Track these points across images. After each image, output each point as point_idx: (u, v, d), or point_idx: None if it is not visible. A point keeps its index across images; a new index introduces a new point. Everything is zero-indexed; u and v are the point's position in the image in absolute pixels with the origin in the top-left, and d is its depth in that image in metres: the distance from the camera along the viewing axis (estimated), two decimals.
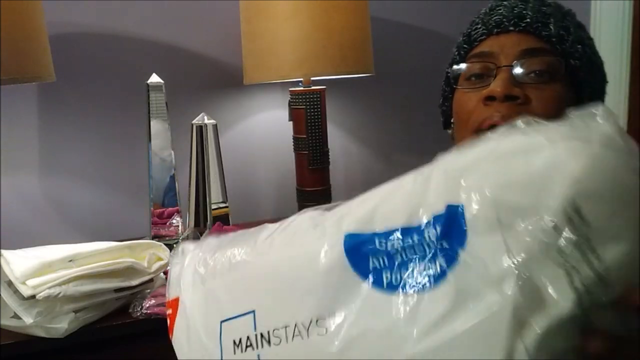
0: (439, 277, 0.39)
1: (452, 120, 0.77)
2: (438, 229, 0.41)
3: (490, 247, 0.38)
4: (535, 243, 0.37)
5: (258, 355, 0.48)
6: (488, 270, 0.38)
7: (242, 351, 0.49)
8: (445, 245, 0.40)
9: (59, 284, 1.03)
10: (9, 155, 1.40)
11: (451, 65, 0.77)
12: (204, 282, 0.56)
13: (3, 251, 1.11)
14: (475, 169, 0.41)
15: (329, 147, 1.48)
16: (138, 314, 1.09)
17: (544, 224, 0.37)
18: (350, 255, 0.43)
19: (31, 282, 1.02)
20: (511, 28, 0.69)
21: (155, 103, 1.29)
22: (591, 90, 0.71)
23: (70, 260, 1.09)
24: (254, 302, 0.50)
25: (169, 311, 0.59)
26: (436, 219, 0.41)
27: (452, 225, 0.40)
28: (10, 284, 1.05)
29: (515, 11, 0.70)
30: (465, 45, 0.74)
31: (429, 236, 0.41)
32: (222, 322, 0.52)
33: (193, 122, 1.31)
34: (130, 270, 1.11)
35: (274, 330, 0.47)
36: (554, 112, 0.65)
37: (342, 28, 1.33)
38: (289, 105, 1.44)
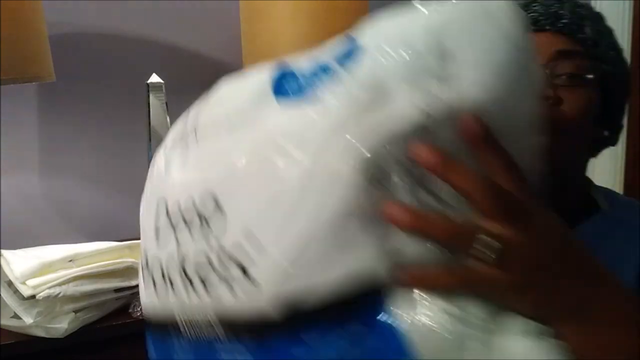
0: (312, 89, 0.46)
1: None
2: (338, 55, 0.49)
3: (367, 65, 0.44)
4: (400, 64, 0.43)
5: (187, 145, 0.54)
6: (355, 78, 0.44)
7: (180, 140, 0.56)
8: (336, 67, 0.47)
9: (59, 284, 1.03)
10: (9, 155, 1.40)
11: None
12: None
13: (3, 251, 1.11)
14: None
15: None
16: (138, 314, 1.09)
17: (410, 52, 0.43)
18: (275, 85, 0.50)
19: (31, 282, 1.02)
20: (547, 27, 0.68)
21: (155, 103, 1.29)
22: (618, 98, 0.71)
23: (70, 260, 1.09)
24: (197, 109, 0.59)
25: None
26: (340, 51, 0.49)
27: (346, 50, 0.48)
28: (10, 284, 1.05)
29: (551, 10, 0.69)
30: None
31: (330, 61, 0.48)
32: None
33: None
34: (130, 270, 1.11)
35: (203, 127, 0.54)
36: (582, 115, 0.66)
37: (342, 28, 1.32)
38: None
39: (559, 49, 0.66)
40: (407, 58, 0.42)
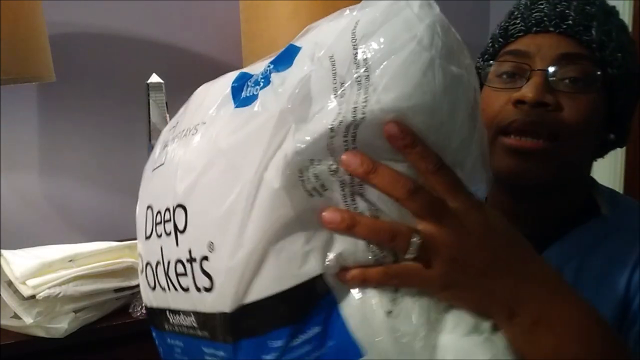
0: (254, 98, 0.49)
1: None
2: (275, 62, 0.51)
3: (295, 73, 0.47)
4: (323, 72, 0.45)
5: (165, 154, 0.56)
6: (284, 86, 0.47)
7: (161, 150, 0.58)
8: (271, 71, 0.50)
9: (59, 284, 1.03)
10: (9, 155, 1.40)
11: (483, 57, 0.73)
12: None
13: (3, 251, 1.11)
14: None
15: None
16: (138, 314, 1.09)
17: (333, 60, 0.45)
18: (233, 90, 0.53)
19: (31, 282, 1.02)
20: (551, 29, 0.65)
21: (155, 103, 1.29)
22: (625, 101, 0.68)
23: (70, 260, 1.09)
24: (177, 119, 0.61)
25: None
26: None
27: (285, 57, 0.50)
28: (10, 284, 1.05)
29: (557, 9, 0.66)
30: (500, 40, 0.70)
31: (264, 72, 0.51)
32: (160, 141, 0.60)
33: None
34: (130, 270, 1.11)
35: (182, 132, 0.56)
36: (585, 123, 0.64)
37: None
38: None
39: (561, 52, 0.64)
40: (330, 67, 0.45)
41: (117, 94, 1.48)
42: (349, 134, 0.43)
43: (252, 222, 0.45)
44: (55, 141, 1.45)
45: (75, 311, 1.05)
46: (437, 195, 0.43)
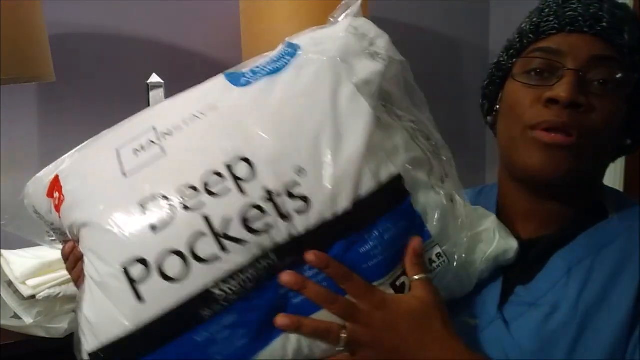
0: (284, 64, 0.64)
1: (496, 107, 0.74)
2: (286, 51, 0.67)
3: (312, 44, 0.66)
4: (352, 40, 0.65)
5: (162, 147, 0.61)
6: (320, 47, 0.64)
7: (144, 150, 0.62)
8: (287, 55, 0.66)
9: (59, 284, 1.03)
10: (9, 155, 1.40)
11: (508, 51, 0.72)
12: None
13: (3, 251, 1.11)
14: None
15: None
16: None
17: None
18: (227, 76, 0.68)
19: (31, 282, 1.02)
20: (585, 29, 0.64)
21: (155, 103, 1.29)
22: None
23: None
24: (152, 122, 0.65)
25: (56, 194, 0.66)
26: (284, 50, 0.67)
27: (291, 49, 0.66)
28: (10, 284, 1.05)
29: (591, 10, 0.65)
30: (530, 35, 0.68)
31: (280, 55, 0.67)
32: (118, 149, 0.64)
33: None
34: None
35: (174, 126, 0.62)
36: (611, 126, 0.65)
37: None
38: None
39: (595, 54, 0.64)
40: (354, 36, 0.66)
41: (117, 94, 1.48)
42: (384, 80, 0.62)
43: (349, 135, 0.58)
44: (55, 141, 1.45)
45: (75, 311, 1.05)
46: (351, 301, 0.57)
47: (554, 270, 0.66)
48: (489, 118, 0.76)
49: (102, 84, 1.47)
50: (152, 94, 1.29)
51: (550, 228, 0.69)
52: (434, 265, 0.61)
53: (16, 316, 1.03)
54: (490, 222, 0.66)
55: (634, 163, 1.58)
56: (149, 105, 1.29)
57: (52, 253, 1.10)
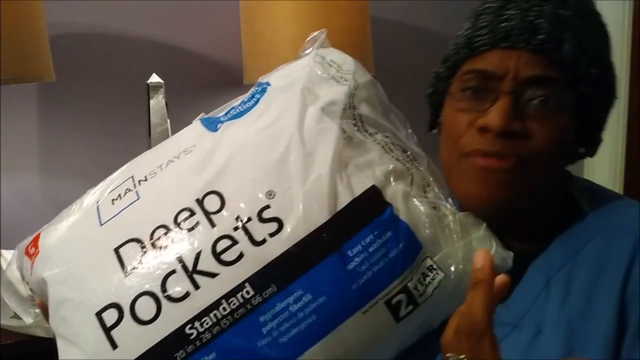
0: (255, 103, 0.67)
1: (439, 120, 0.70)
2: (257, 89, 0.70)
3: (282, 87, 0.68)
4: (320, 69, 0.68)
5: (137, 192, 0.62)
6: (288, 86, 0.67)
7: (121, 199, 0.63)
8: (257, 94, 0.68)
9: None
10: (9, 155, 1.40)
11: (446, 63, 0.67)
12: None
13: (3, 251, 1.11)
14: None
15: None
16: None
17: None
18: (203, 121, 0.69)
19: None
20: (521, 45, 0.59)
21: (155, 103, 1.29)
22: (597, 115, 0.65)
23: None
24: (131, 172, 0.67)
25: (32, 250, 0.65)
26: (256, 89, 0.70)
27: (260, 87, 0.70)
28: (10, 284, 1.05)
29: (528, 18, 0.60)
30: (465, 50, 0.64)
31: (251, 95, 0.69)
32: (98, 202, 0.66)
33: (193, 122, 1.31)
34: None
35: (150, 172, 0.64)
36: (554, 147, 0.61)
37: (342, 28, 1.33)
38: None
39: (531, 75, 0.60)
40: (321, 66, 0.69)
41: (117, 94, 1.48)
42: (353, 100, 0.64)
43: (317, 154, 0.59)
44: (55, 141, 1.45)
45: None
46: None
47: (532, 285, 0.63)
48: (434, 130, 0.71)
49: (102, 84, 1.47)
50: (152, 94, 1.29)
51: (521, 240, 0.66)
52: (428, 279, 0.57)
53: (16, 316, 1.03)
54: (483, 229, 0.61)
55: (634, 163, 1.59)
56: (149, 105, 1.29)
57: None
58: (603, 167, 1.60)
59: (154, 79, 1.29)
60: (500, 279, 0.50)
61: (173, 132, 1.32)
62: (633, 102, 1.58)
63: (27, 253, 0.66)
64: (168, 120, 1.32)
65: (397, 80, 1.72)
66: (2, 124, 1.38)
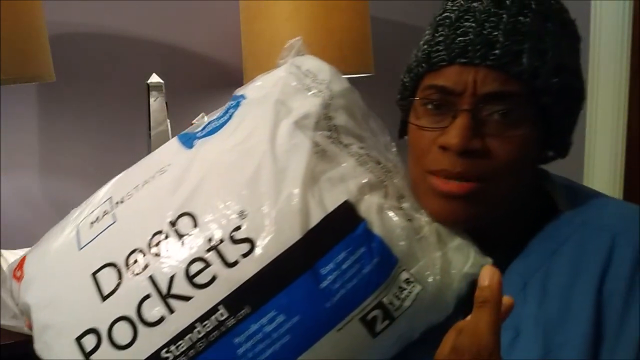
0: (229, 118, 0.67)
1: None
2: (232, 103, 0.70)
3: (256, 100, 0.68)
4: (294, 80, 0.68)
5: (114, 214, 0.62)
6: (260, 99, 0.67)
7: (98, 222, 0.63)
8: (232, 108, 0.68)
9: None
10: (9, 155, 1.40)
11: (409, 73, 0.67)
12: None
13: (3, 251, 1.11)
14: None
15: None
16: None
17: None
18: (180, 138, 0.69)
19: None
20: (477, 61, 0.58)
21: (155, 103, 1.29)
22: (564, 119, 0.63)
23: None
24: (110, 193, 0.67)
25: (18, 273, 0.66)
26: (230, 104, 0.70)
27: (235, 101, 0.69)
28: None
29: (485, 30, 0.58)
30: (424, 64, 0.63)
31: (226, 109, 0.70)
32: (77, 225, 0.65)
33: (193, 122, 1.31)
34: None
35: (127, 193, 0.64)
36: (517, 162, 0.60)
37: (342, 28, 1.33)
38: None
39: (489, 91, 0.59)
40: (295, 76, 0.69)
41: (117, 94, 1.48)
42: (329, 110, 0.64)
43: (288, 171, 0.58)
44: (55, 141, 1.45)
45: None
46: None
47: (510, 288, 0.60)
48: (406, 137, 0.70)
49: (102, 84, 1.47)
50: (152, 94, 1.29)
51: (499, 245, 0.64)
52: (405, 293, 0.56)
53: (16, 316, 1.03)
54: (460, 238, 0.61)
55: (634, 163, 1.59)
56: (149, 105, 1.29)
57: None
58: (603, 167, 1.60)
59: (154, 79, 1.29)
60: (507, 300, 0.49)
61: (173, 132, 1.32)
62: (633, 102, 1.58)
63: (14, 276, 0.67)
64: (168, 120, 1.32)
65: (397, 80, 1.72)
66: (2, 124, 1.38)
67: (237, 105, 0.68)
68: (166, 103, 1.31)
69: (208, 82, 1.55)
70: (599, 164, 1.59)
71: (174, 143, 0.69)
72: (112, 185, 0.69)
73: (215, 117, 0.70)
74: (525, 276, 0.62)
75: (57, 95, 1.43)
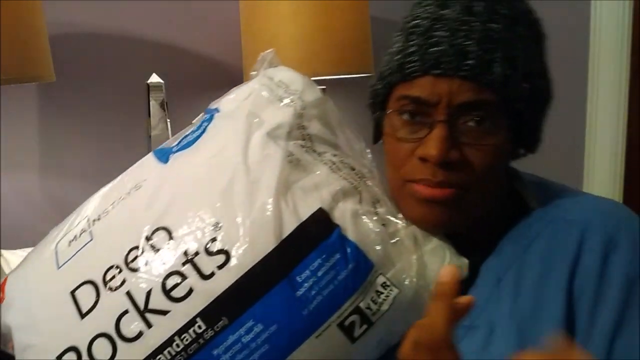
0: (202, 131, 0.68)
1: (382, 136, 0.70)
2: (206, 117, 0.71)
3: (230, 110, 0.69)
4: (265, 92, 0.69)
5: (91, 232, 0.63)
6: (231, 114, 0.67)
7: (76, 240, 0.63)
8: (206, 121, 0.69)
9: None
10: (9, 155, 1.40)
11: (382, 81, 0.67)
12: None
13: (3, 251, 1.11)
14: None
15: None
16: None
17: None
18: (156, 153, 0.69)
19: None
20: (450, 72, 0.59)
21: (155, 103, 1.29)
22: (534, 121, 0.65)
23: None
24: (87, 212, 0.67)
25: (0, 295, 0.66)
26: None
27: (209, 114, 0.70)
28: None
29: (456, 41, 0.59)
30: (397, 74, 0.63)
31: (200, 123, 0.71)
32: (57, 244, 0.66)
33: (193, 122, 1.31)
34: None
35: (103, 211, 0.65)
36: (493, 169, 0.62)
37: (342, 28, 1.33)
38: None
39: (463, 101, 0.60)
40: (268, 87, 0.70)
41: (117, 94, 1.48)
42: (302, 120, 0.65)
43: (261, 181, 0.58)
44: (55, 141, 1.45)
45: None
46: None
47: (485, 285, 0.64)
48: (380, 142, 0.71)
49: (102, 84, 1.47)
50: (152, 94, 1.29)
51: (474, 245, 0.66)
52: (382, 297, 0.57)
53: None
54: (437, 240, 0.62)
55: (634, 163, 1.59)
56: (149, 105, 1.29)
57: None
58: (603, 167, 1.60)
59: (154, 79, 1.29)
60: (465, 298, 0.50)
61: (173, 132, 1.32)
62: (633, 102, 1.58)
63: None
64: (168, 120, 1.32)
65: None
66: (2, 124, 1.38)
67: (211, 118, 0.69)
68: (166, 103, 1.31)
69: (208, 82, 1.55)
70: (599, 164, 1.59)
71: (150, 158, 0.70)
72: (90, 203, 0.69)
73: (190, 130, 0.70)
74: (499, 273, 0.63)
75: (57, 95, 1.43)
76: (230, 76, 1.55)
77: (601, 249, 0.60)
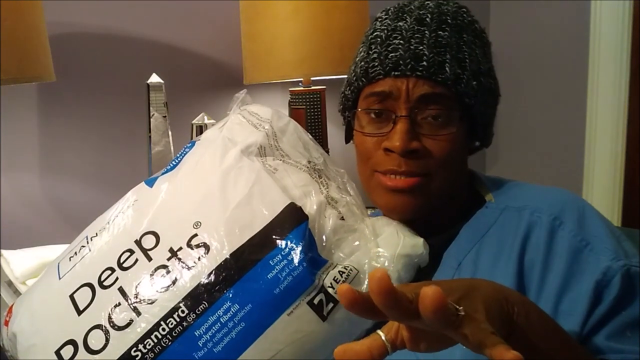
0: (183, 155, 0.78)
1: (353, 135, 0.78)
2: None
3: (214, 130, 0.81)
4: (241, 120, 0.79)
5: (89, 246, 0.71)
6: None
7: (76, 255, 0.71)
8: (187, 148, 0.78)
9: None
10: (9, 155, 1.40)
11: (350, 86, 0.76)
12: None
13: (3, 251, 1.11)
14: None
15: (329, 147, 1.47)
16: None
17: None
18: (146, 182, 0.77)
19: (31, 282, 1.02)
20: (408, 72, 0.68)
21: (155, 103, 1.29)
22: (485, 116, 0.73)
23: None
24: (86, 232, 0.75)
25: (7, 317, 0.75)
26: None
27: (191, 143, 0.79)
28: (10, 284, 1.05)
29: (411, 46, 0.69)
30: (363, 79, 0.72)
31: (182, 151, 0.79)
32: (58, 262, 0.73)
33: (193, 122, 1.31)
34: None
35: (100, 228, 0.73)
36: (451, 156, 0.70)
37: (342, 28, 1.33)
38: (289, 105, 1.44)
39: (420, 94, 0.68)
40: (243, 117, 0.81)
41: (117, 94, 1.48)
42: (276, 140, 0.75)
43: (236, 186, 0.67)
44: (55, 141, 1.45)
45: None
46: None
47: (446, 269, 0.70)
48: (352, 142, 0.79)
49: (102, 84, 1.47)
50: (152, 94, 1.29)
51: (435, 233, 0.73)
52: (344, 276, 0.63)
53: None
54: (393, 226, 0.70)
55: (634, 163, 1.59)
56: (149, 105, 1.29)
57: (52, 253, 1.10)
58: (603, 167, 1.60)
59: (154, 79, 1.29)
60: (430, 288, 0.43)
61: (173, 133, 1.32)
62: (633, 102, 1.58)
63: (5, 323, 0.74)
64: (168, 121, 1.32)
65: None
66: (2, 124, 1.38)
67: (192, 145, 0.79)
68: (166, 103, 1.31)
69: (208, 82, 1.55)
70: (599, 164, 1.59)
71: (140, 185, 0.79)
72: (91, 226, 0.78)
73: (173, 159, 0.81)
74: (459, 257, 0.70)
75: (57, 95, 1.43)
76: (230, 76, 1.56)
77: (548, 227, 0.66)
